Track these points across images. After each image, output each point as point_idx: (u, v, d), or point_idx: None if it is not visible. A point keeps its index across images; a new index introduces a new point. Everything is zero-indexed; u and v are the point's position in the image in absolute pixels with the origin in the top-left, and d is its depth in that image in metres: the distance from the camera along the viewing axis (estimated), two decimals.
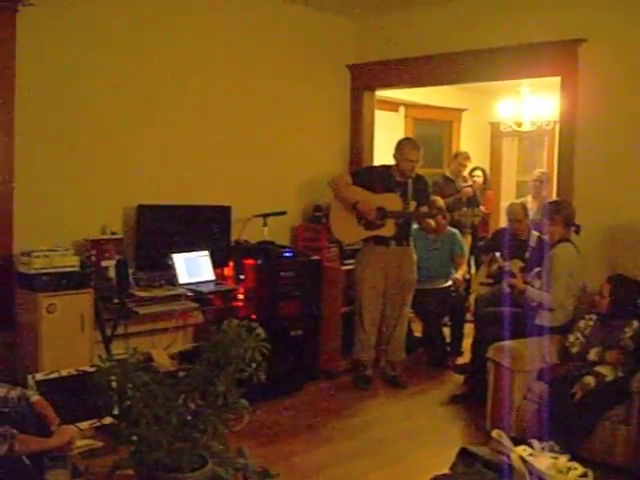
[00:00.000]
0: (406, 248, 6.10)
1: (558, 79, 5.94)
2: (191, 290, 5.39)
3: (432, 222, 6.13)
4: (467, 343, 6.45)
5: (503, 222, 8.08)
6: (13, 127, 4.92)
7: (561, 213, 5.30)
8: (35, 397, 3.39)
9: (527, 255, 5.94)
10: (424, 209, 6.12)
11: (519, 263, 5.82)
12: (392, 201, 5.92)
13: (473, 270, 7.94)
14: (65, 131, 5.20)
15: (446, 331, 7.06)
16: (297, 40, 6.82)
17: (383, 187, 5.96)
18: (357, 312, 6.13)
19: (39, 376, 4.29)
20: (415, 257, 6.18)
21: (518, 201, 7.34)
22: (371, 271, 6.01)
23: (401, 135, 9.00)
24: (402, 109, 9.15)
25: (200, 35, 5.99)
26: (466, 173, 8.41)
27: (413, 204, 6.01)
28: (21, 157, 4.96)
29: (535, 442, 3.18)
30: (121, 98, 5.49)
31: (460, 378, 6.18)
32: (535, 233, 6.17)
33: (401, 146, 6.01)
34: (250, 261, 5.79)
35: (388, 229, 5.94)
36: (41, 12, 4.96)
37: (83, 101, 5.28)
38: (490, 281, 6.51)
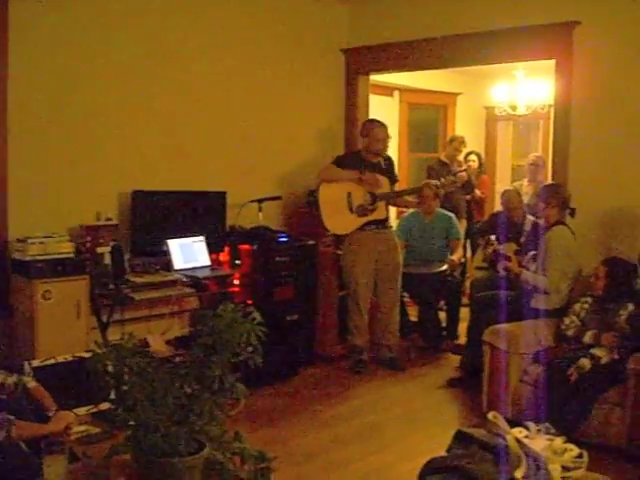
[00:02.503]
0: (389, 230, 6.18)
1: (553, 62, 5.93)
2: (187, 276, 5.39)
3: (412, 199, 6.18)
4: (463, 327, 6.47)
5: (498, 206, 8.08)
6: (6, 113, 4.89)
7: (556, 196, 5.31)
8: (32, 383, 3.40)
9: (522, 239, 5.96)
10: (396, 186, 6.22)
11: (514, 246, 5.84)
12: (380, 184, 5.96)
13: (469, 254, 7.95)
14: (59, 117, 5.18)
15: (442, 315, 7.08)
16: (291, 24, 6.79)
17: (367, 170, 6.00)
18: (351, 297, 6.14)
19: (35, 362, 4.29)
20: (396, 238, 6.22)
21: (512, 187, 7.34)
22: (362, 256, 6.02)
23: (396, 120, 9.04)
24: (396, 94, 9.14)
25: (195, 21, 5.96)
26: (461, 157, 8.40)
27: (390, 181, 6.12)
28: (15, 143, 4.93)
29: (531, 424, 3.18)
30: (116, 84, 5.46)
31: (456, 361, 6.21)
32: (530, 218, 6.19)
33: (368, 128, 6.11)
34: (245, 246, 5.79)
35: (380, 212, 5.99)
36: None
37: (78, 87, 5.25)
38: (485, 265, 6.52)
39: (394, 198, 6.19)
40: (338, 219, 6.06)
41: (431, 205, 6.69)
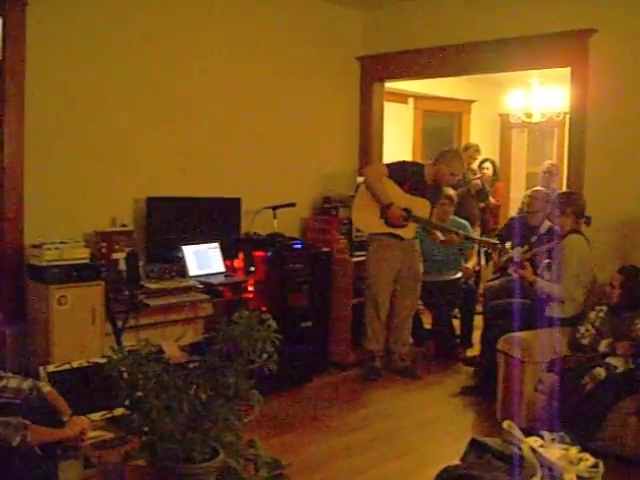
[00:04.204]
0: (414, 242, 6.12)
1: (568, 70, 5.92)
2: (201, 282, 5.40)
3: (440, 235, 6.11)
4: (477, 335, 6.45)
5: (512, 214, 8.07)
6: (23, 120, 4.93)
7: (572, 204, 5.29)
8: (47, 388, 3.41)
9: (533, 240, 5.92)
10: (434, 210, 6.14)
11: (521, 250, 5.81)
12: (421, 206, 5.92)
13: (483, 262, 7.92)
14: (75, 124, 5.21)
15: (456, 323, 7.06)
16: (307, 32, 6.81)
17: (413, 187, 5.93)
18: (371, 304, 6.10)
19: (51, 368, 4.31)
20: (419, 249, 6.20)
21: (540, 189, 7.24)
22: (386, 263, 6.00)
23: (410, 127, 9.04)
24: (411, 101, 9.14)
25: (210, 28, 5.99)
26: (475, 165, 8.39)
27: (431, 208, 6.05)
28: (31, 150, 4.97)
29: (545, 433, 3.17)
30: (131, 91, 5.50)
31: (470, 369, 6.19)
32: (548, 222, 6.15)
33: (449, 158, 5.97)
34: (260, 253, 5.80)
35: (408, 232, 5.94)
36: (50, 6, 4.98)
37: (93, 94, 5.29)
38: (497, 275, 6.50)
39: (429, 226, 6.13)
40: (366, 216, 6.01)
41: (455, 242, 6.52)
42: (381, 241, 6.01)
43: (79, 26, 5.19)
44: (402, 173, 5.99)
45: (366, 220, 6.04)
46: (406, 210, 5.88)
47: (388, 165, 6.22)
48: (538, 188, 6.60)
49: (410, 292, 6.14)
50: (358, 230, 6.45)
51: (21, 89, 4.90)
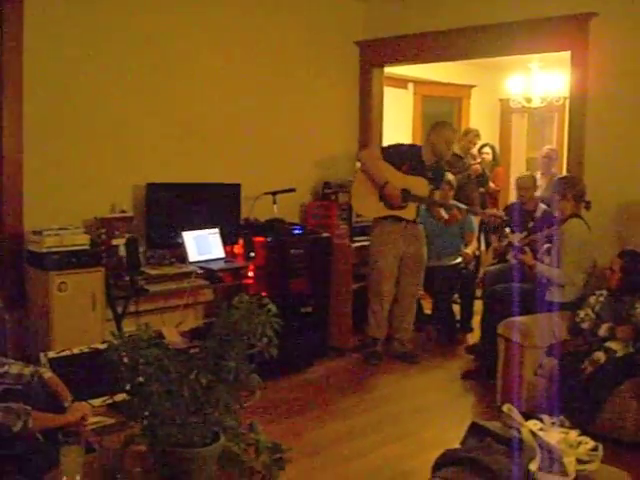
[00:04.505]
0: (417, 225, 6.11)
1: (568, 54, 5.90)
2: (201, 268, 5.41)
3: (444, 213, 6.09)
4: (477, 320, 6.46)
5: (513, 198, 8.06)
6: (22, 106, 4.92)
7: (572, 189, 5.29)
8: (48, 374, 3.41)
9: (530, 224, 5.93)
10: (438, 193, 6.16)
11: (519, 235, 5.82)
12: (419, 185, 5.92)
13: (483, 247, 7.93)
14: (74, 110, 5.20)
15: (456, 308, 7.07)
16: (306, 17, 6.79)
17: (411, 168, 5.94)
18: (374, 289, 6.12)
19: (51, 354, 4.30)
20: (423, 234, 6.19)
21: (528, 172, 7.28)
22: (389, 248, 6.00)
23: (410, 112, 9.03)
24: (411, 86, 9.12)
25: (208, 14, 5.97)
26: (475, 150, 8.37)
27: (431, 188, 6.03)
28: (30, 137, 4.96)
29: (545, 417, 3.17)
30: (130, 77, 5.49)
31: (470, 355, 6.20)
32: (542, 206, 6.16)
33: (439, 127, 6.01)
34: (260, 238, 5.80)
35: (409, 212, 5.94)
36: None
37: (92, 80, 5.27)
38: (495, 261, 6.50)
39: (426, 204, 6.13)
40: (365, 201, 6.05)
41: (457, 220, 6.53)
42: (384, 226, 6.02)
43: (78, 16, 5.17)
44: (398, 155, 6.01)
45: (366, 205, 6.06)
46: (404, 190, 5.88)
47: (383, 148, 6.24)
48: (521, 175, 6.61)
49: (413, 278, 6.15)
50: (359, 215, 6.46)
51: (19, 77, 4.89)
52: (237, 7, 6.19)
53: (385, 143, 7.37)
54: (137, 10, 5.50)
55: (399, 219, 5.95)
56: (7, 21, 4.82)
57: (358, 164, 6.28)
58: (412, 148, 6.22)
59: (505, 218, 5.82)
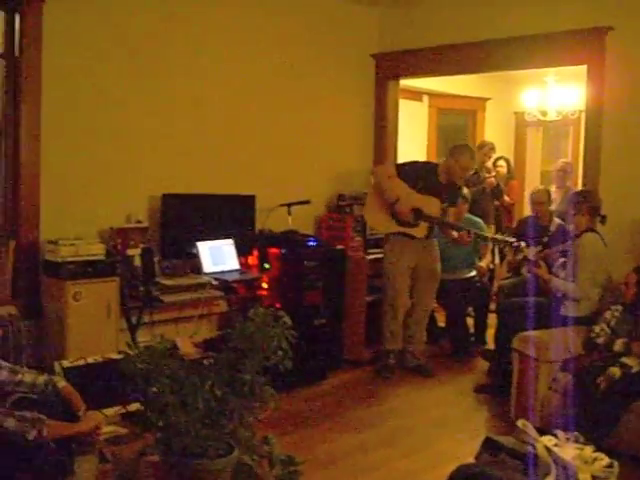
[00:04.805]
0: (431, 240, 6.10)
1: (584, 68, 5.89)
2: (216, 278, 5.42)
3: (455, 234, 6.06)
4: (491, 333, 6.44)
5: (527, 212, 8.03)
6: (40, 117, 4.95)
7: (587, 203, 5.27)
8: (62, 383, 3.42)
9: (545, 239, 5.91)
10: (453, 210, 6.14)
11: (534, 250, 5.80)
12: (431, 205, 5.91)
13: (497, 260, 7.90)
14: (91, 121, 5.23)
15: (470, 321, 7.05)
16: (322, 29, 6.81)
17: (426, 186, 5.93)
18: (388, 302, 6.10)
19: (66, 363, 4.33)
20: (437, 248, 6.18)
21: (542, 186, 7.27)
22: (402, 262, 6.00)
23: (425, 125, 9.03)
24: (426, 98, 9.11)
25: (225, 25, 6.00)
26: (490, 163, 8.36)
27: (445, 205, 6.02)
28: (47, 147, 4.99)
29: (560, 432, 3.16)
30: (147, 89, 5.52)
31: (484, 367, 6.18)
32: (557, 220, 6.14)
33: (458, 152, 5.95)
34: (274, 250, 5.80)
35: (420, 231, 5.94)
36: (67, 3, 5.00)
37: (108, 91, 5.30)
38: (510, 275, 6.48)
39: (437, 224, 6.09)
40: (377, 216, 6.07)
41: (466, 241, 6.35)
42: (396, 241, 6.02)
43: (96, 23, 5.21)
44: (412, 173, 6.00)
45: (378, 219, 6.08)
46: (416, 209, 5.87)
47: (398, 165, 6.25)
48: (536, 189, 6.60)
49: (427, 291, 6.14)
50: (372, 228, 6.46)
51: (38, 86, 4.93)
52: (255, 20, 6.21)
53: (400, 156, 7.41)
54: (158, 25, 5.53)
55: (411, 236, 5.95)
56: (26, 37, 4.87)
57: (372, 179, 6.29)
58: (427, 166, 6.24)
59: (514, 243, 5.77)
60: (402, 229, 5.95)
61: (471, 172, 6.14)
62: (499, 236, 6.44)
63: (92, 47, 5.19)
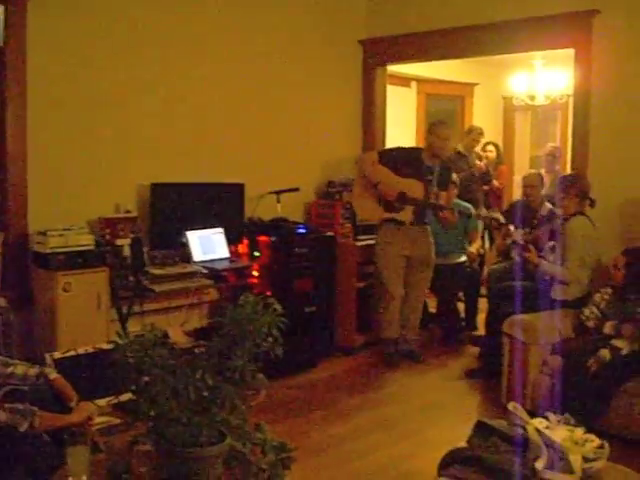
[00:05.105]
0: (423, 227, 6.10)
1: (572, 51, 5.89)
2: (206, 267, 5.41)
3: (449, 215, 6.04)
4: (481, 318, 6.46)
5: (517, 196, 8.05)
6: (25, 107, 4.92)
7: (576, 186, 5.29)
8: (53, 375, 3.42)
9: (534, 222, 5.93)
10: (444, 194, 6.12)
11: (522, 232, 5.81)
12: (415, 188, 5.91)
13: (487, 245, 7.93)
14: (78, 110, 5.20)
15: (460, 306, 7.07)
16: (308, 15, 6.79)
17: (410, 171, 5.95)
18: (383, 293, 6.11)
19: (57, 354, 4.30)
20: (431, 236, 6.18)
21: (534, 170, 7.28)
22: (394, 250, 6.00)
23: (413, 110, 9.03)
24: (414, 84, 9.11)
25: (211, 13, 5.97)
26: (479, 148, 8.37)
27: (436, 189, 6.02)
28: (34, 137, 4.96)
29: (551, 415, 3.17)
30: (135, 77, 5.48)
31: (475, 352, 6.21)
32: (548, 205, 6.15)
33: (434, 127, 6.06)
34: (264, 238, 5.80)
35: (405, 214, 5.94)
36: None
37: (95, 80, 5.27)
38: (500, 259, 6.50)
39: (422, 206, 6.08)
40: (365, 205, 6.11)
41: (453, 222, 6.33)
42: (387, 229, 6.03)
43: (82, 12, 5.17)
44: (395, 158, 6.04)
45: (365, 208, 6.10)
46: (401, 193, 5.88)
47: (381, 152, 6.27)
48: (529, 172, 6.61)
49: (420, 278, 6.16)
50: (361, 218, 6.46)
51: (23, 76, 4.89)
52: (239, 7, 6.18)
53: (389, 142, 7.40)
54: (139, 11, 5.49)
55: (402, 222, 5.95)
56: (10, 26, 4.83)
57: (357, 167, 6.31)
58: (411, 151, 6.27)
59: (501, 221, 5.81)
60: (389, 215, 5.96)
61: (449, 142, 6.14)
62: (484, 213, 6.46)
63: (79, 37, 5.15)
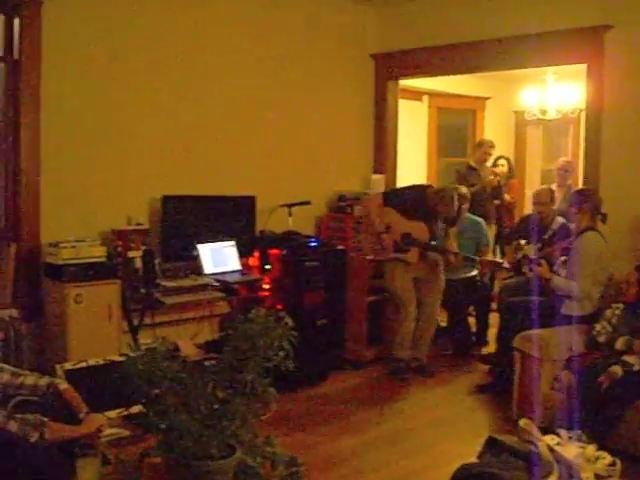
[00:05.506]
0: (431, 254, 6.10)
1: (584, 66, 5.89)
2: (217, 280, 5.41)
3: (452, 258, 6.08)
4: (492, 333, 6.43)
5: (528, 211, 8.03)
6: (39, 119, 4.95)
7: (588, 202, 5.27)
8: (63, 386, 3.42)
9: (546, 237, 5.91)
10: (452, 230, 6.16)
11: (533, 248, 5.79)
12: (420, 231, 5.95)
13: (498, 259, 7.89)
14: (91, 123, 5.23)
15: (471, 321, 7.04)
16: (321, 30, 6.81)
17: (416, 212, 5.98)
18: (396, 311, 6.14)
19: (67, 365, 4.30)
20: (441, 258, 6.15)
21: (545, 186, 7.25)
22: (405, 276, 6.03)
23: (425, 124, 9.03)
24: (426, 98, 9.12)
25: (224, 26, 6.00)
26: (490, 162, 8.35)
27: (442, 226, 6.05)
28: (47, 149, 4.99)
29: (562, 431, 3.16)
30: (146, 90, 5.52)
31: (485, 367, 6.17)
32: (560, 219, 6.13)
33: (445, 190, 6.09)
34: (275, 251, 5.80)
35: (412, 255, 5.97)
36: (65, 5, 5.00)
37: (109, 94, 5.30)
38: (512, 274, 6.47)
39: (425, 249, 6.04)
40: (372, 245, 6.25)
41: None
42: (395, 265, 6.08)
43: (94, 25, 5.21)
44: (398, 199, 6.12)
45: (373, 247, 6.25)
46: (406, 234, 5.91)
47: (384, 194, 6.29)
48: (539, 189, 6.58)
49: (432, 300, 6.16)
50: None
51: (37, 89, 4.93)
52: (253, 20, 6.21)
53: (400, 156, 7.43)
54: (157, 25, 5.53)
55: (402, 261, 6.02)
56: (25, 40, 4.87)
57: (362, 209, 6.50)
58: (414, 190, 6.25)
59: (503, 265, 5.86)
60: (396, 255, 6.02)
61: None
62: (486, 258, 6.48)
63: (92, 49, 5.19)
